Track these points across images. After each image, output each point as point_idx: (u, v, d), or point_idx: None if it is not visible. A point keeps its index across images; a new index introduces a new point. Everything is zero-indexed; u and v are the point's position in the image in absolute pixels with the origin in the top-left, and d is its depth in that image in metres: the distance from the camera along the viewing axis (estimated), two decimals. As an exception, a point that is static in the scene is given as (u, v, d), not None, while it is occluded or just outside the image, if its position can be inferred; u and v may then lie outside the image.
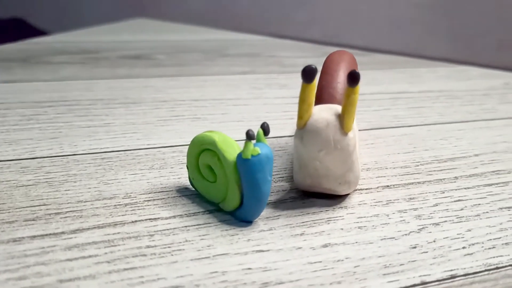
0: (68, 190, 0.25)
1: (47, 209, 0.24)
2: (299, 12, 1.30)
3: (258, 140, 0.23)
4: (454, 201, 0.26)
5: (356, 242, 0.22)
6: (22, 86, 0.41)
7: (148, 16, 0.84)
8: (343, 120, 0.22)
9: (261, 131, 0.23)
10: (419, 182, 0.28)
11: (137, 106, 0.38)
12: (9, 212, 0.23)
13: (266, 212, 0.24)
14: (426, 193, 0.27)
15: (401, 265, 0.21)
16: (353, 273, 0.20)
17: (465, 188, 0.28)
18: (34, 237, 0.21)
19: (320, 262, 0.21)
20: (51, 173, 0.27)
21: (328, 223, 0.24)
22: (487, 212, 0.25)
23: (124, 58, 0.52)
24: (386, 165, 0.30)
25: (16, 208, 0.24)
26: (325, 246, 0.22)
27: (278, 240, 0.22)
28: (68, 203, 0.24)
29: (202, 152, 0.24)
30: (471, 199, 0.27)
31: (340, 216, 0.24)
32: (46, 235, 0.22)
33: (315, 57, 0.57)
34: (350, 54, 0.27)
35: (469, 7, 1.13)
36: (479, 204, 0.26)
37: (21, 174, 0.27)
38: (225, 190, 0.23)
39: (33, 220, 0.23)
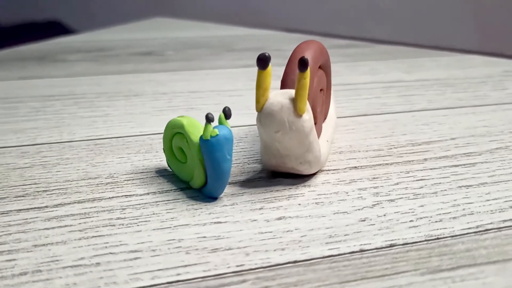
0: (59, 171, 0.28)
1: (36, 187, 0.27)
2: (319, 7, 1.30)
3: (220, 123, 0.25)
4: (416, 180, 0.28)
5: (309, 216, 0.24)
6: (36, 82, 0.45)
7: (168, 15, 0.87)
8: (296, 103, 0.24)
9: (222, 115, 0.25)
10: (387, 164, 0.30)
11: (137, 98, 0.41)
12: (2, 190, 0.26)
13: (232, 189, 0.26)
14: (390, 173, 0.28)
15: (345, 235, 0.23)
16: (298, 242, 0.22)
17: (430, 169, 0.29)
18: (20, 210, 0.24)
19: (271, 232, 0.23)
20: (47, 157, 0.30)
21: (288, 199, 0.26)
22: (445, 190, 0.27)
23: (134, 54, 0.55)
24: (360, 149, 0.32)
25: (10, 187, 0.27)
26: (279, 219, 0.24)
27: (237, 213, 0.24)
28: (57, 182, 0.27)
29: (174, 135, 0.27)
30: (433, 178, 0.28)
31: (301, 193, 0.26)
32: (31, 208, 0.24)
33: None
34: (318, 43, 0.29)
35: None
36: (440, 183, 0.27)
37: (20, 158, 0.30)
38: (193, 169, 0.26)
39: (23, 196, 0.26)
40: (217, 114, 0.32)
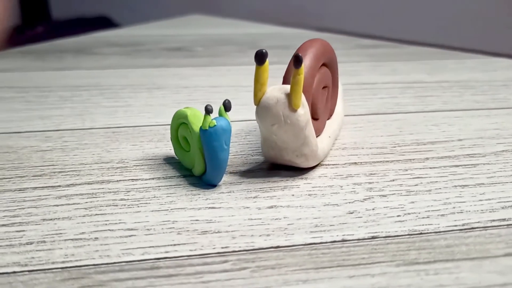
0: (76, 155, 0.31)
1: (53, 168, 0.29)
2: (358, 7, 1.29)
3: (220, 115, 0.26)
4: (412, 178, 0.28)
5: (300, 206, 0.25)
6: (68, 73, 0.48)
7: (209, 13, 0.89)
8: (291, 98, 0.25)
9: (222, 107, 0.26)
10: (387, 161, 0.30)
11: (159, 91, 0.43)
12: (23, 169, 0.29)
13: (232, 178, 0.28)
14: (388, 170, 0.29)
15: (331, 225, 0.24)
16: (284, 229, 0.23)
17: (430, 168, 0.29)
18: (35, 188, 0.27)
19: (260, 219, 0.24)
20: (67, 142, 0.32)
21: (283, 190, 0.27)
22: (439, 188, 0.27)
23: (165, 49, 0.58)
24: (363, 146, 0.32)
25: (30, 167, 0.29)
26: (270, 207, 0.25)
27: (232, 200, 0.26)
28: (72, 164, 0.29)
29: (180, 125, 0.28)
30: (430, 177, 0.28)
31: (296, 185, 0.27)
32: (45, 187, 0.27)
33: (344, 49, 0.59)
34: (322, 41, 0.30)
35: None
36: (436, 182, 0.28)
37: (43, 142, 0.32)
38: (194, 158, 0.27)
39: (40, 176, 0.28)
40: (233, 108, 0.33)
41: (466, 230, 0.23)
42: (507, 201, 0.26)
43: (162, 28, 0.71)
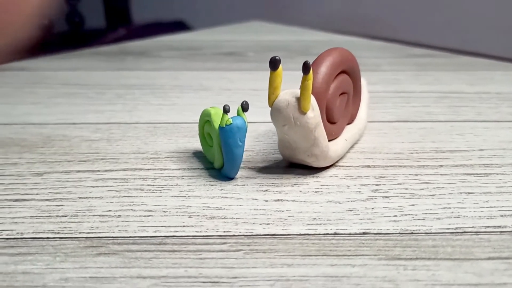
0: (118, 145, 0.35)
1: (97, 156, 0.33)
2: (433, 17, 1.27)
3: (238, 114, 0.29)
4: (420, 183, 0.29)
5: (304, 201, 0.27)
6: (127, 73, 0.53)
7: (280, 20, 0.93)
8: (300, 101, 0.28)
9: (239, 107, 0.29)
10: (400, 166, 0.32)
11: (205, 92, 0.47)
12: (72, 155, 0.33)
13: (249, 173, 0.31)
14: (399, 174, 0.30)
15: (328, 220, 0.26)
16: (284, 220, 0.26)
17: (440, 175, 0.30)
18: (78, 171, 0.31)
19: (264, 210, 0.27)
20: (113, 134, 0.37)
21: (292, 186, 0.29)
22: (444, 194, 0.28)
23: (218, 54, 0.61)
24: (381, 151, 0.34)
25: (78, 153, 0.33)
26: (277, 200, 0.28)
27: (243, 192, 0.28)
28: (113, 153, 0.33)
29: (205, 122, 0.31)
30: (438, 183, 0.29)
31: (306, 183, 0.29)
32: (87, 171, 0.31)
33: (392, 57, 0.60)
34: (341, 50, 0.31)
35: None
36: (442, 188, 0.29)
37: (93, 133, 0.37)
38: (215, 152, 0.30)
39: (84, 161, 0.32)
40: (262, 111, 0.36)
41: (456, 234, 0.25)
42: (508, 210, 0.26)
43: (221, 34, 0.75)
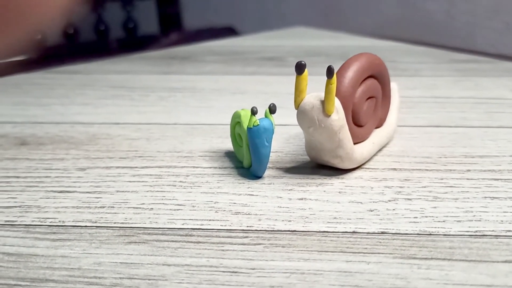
0: (156, 144, 0.37)
1: (136, 153, 0.35)
2: (492, 21, 1.24)
3: (265, 116, 0.30)
4: (444, 187, 0.30)
5: (327, 201, 0.28)
6: (171, 77, 0.55)
7: (331, 26, 0.93)
8: (324, 104, 0.29)
9: (267, 110, 0.30)
10: (427, 170, 0.32)
11: (241, 95, 0.48)
12: (113, 152, 0.35)
13: (276, 172, 0.32)
14: (425, 177, 0.31)
15: (348, 219, 0.26)
16: (305, 218, 0.27)
17: (467, 179, 0.30)
18: (118, 167, 0.33)
19: (287, 207, 0.28)
20: (153, 133, 0.39)
21: (317, 186, 0.30)
22: (468, 198, 0.28)
23: (259, 59, 0.63)
24: (410, 154, 0.34)
25: (119, 151, 0.36)
26: (300, 199, 0.29)
27: (269, 191, 0.30)
28: (151, 151, 0.35)
29: (236, 124, 0.33)
30: (463, 187, 0.30)
31: (330, 183, 0.30)
32: (126, 167, 0.33)
33: (434, 63, 0.59)
34: (368, 56, 0.32)
35: None
36: (467, 192, 0.29)
37: (134, 132, 0.39)
38: (244, 152, 0.32)
39: (124, 158, 0.34)
40: (287, 112, 0.37)
41: (475, 236, 0.25)
42: (533, 216, 0.26)
43: (264, 39, 0.77)
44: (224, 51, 0.69)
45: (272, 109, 0.30)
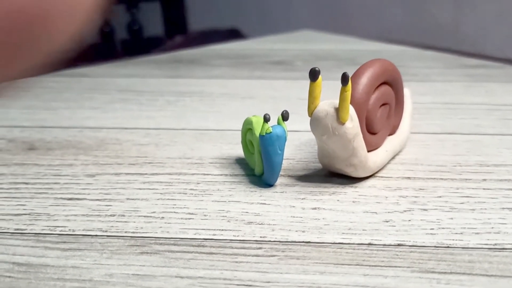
0: (165, 150, 0.36)
1: (145, 159, 0.35)
2: (500, 26, 1.23)
3: (278, 123, 0.30)
4: (460, 197, 0.29)
5: (341, 211, 0.28)
6: (178, 81, 0.55)
7: (341, 30, 0.93)
8: (338, 112, 0.28)
9: (280, 117, 0.30)
10: (442, 179, 0.31)
11: (250, 101, 0.48)
12: (122, 158, 0.35)
13: (288, 181, 0.31)
14: (440, 187, 0.30)
15: (363, 230, 0.26)
16: (319, 228, 0.26)
17: (483, 189, 0.30)
18: (128, 173, 0.33)
19: (301, 217, 0.27)
20: (162, 139, 0.38)
21: (330, 195, 0.29)
22: (485, 209, 0.28)
23: (267, 63, 0.63)
24: (423, 162, 0.34)
25: (128, 157, 0.35)
26: (314, 208, 0.28)
27: (281, 199, 0.29)
28: (160, 157, 0.35)
29: (247, 130, 0.32)
30: (480, 197, 0.29)
31: (344, 192, 0.30)
32: (135, 173, 0.33)
33: (446, 68, 0.59)
34: (382, 62, 0.32)
35: None
36: (484, 202, 0.28)
37: (143, 137, 0.39)
38: (256, 159, 0.31)
39: (133, 164, 0.34)
40: (291, 117, 0.37)
41: (495, 250, 0.24)
42: (553, 228, 0.26)
43: (271, 43, 0.77)
44: (231, 54, 0.68)
45: (285, 116, 0.30)
